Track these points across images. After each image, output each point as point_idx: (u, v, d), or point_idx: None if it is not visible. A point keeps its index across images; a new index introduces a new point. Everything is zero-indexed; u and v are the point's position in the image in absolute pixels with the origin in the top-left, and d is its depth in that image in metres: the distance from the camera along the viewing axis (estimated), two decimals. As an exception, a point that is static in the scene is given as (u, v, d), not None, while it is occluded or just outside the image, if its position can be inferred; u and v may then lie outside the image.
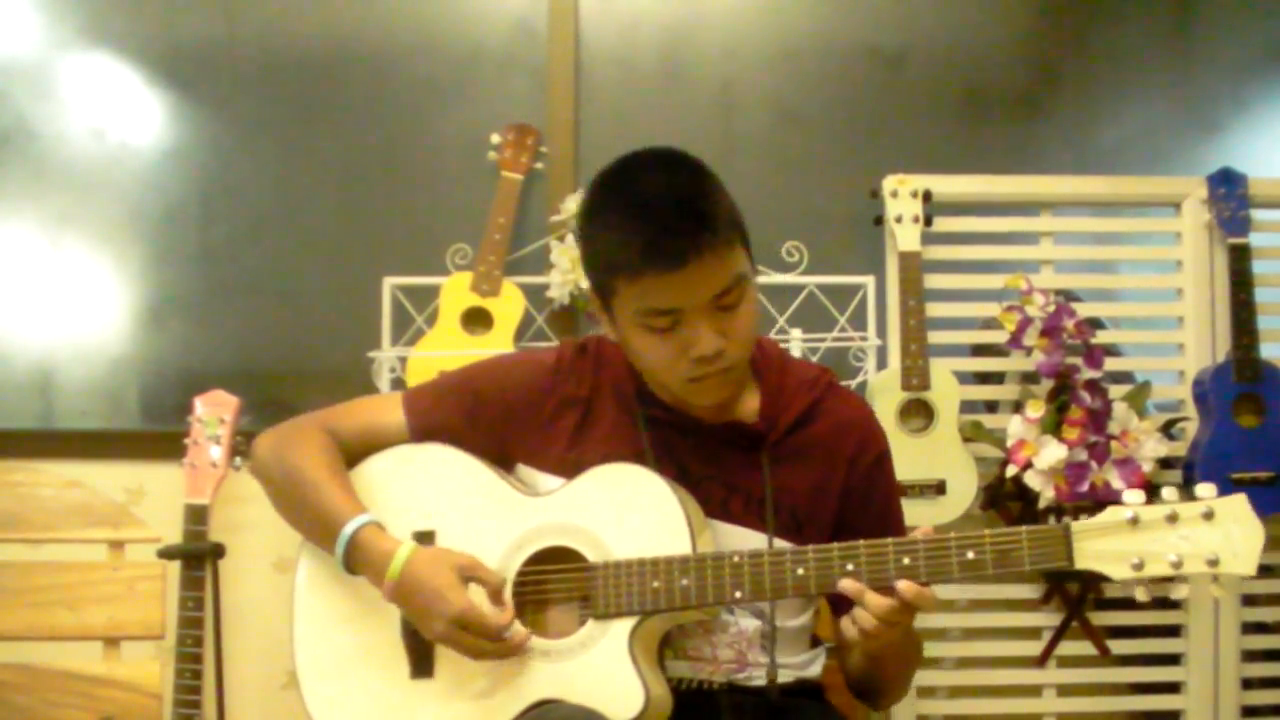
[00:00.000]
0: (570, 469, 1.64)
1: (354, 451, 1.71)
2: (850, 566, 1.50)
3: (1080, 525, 1.45)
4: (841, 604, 1.64)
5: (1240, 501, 1.42)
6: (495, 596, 1.55)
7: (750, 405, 1.69)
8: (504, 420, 1.69)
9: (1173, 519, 1.42)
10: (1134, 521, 1.43)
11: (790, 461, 1.67)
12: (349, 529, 1.58)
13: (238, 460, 2.33)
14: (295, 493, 1.66)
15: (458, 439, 1.69)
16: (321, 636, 1.66)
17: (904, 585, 1.46)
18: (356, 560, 1.59)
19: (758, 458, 1.66)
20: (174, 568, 2.23)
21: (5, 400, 2.75)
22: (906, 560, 1.48)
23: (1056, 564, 1.45)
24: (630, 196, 1.54)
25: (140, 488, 2.59)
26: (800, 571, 1.52)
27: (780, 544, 1.61)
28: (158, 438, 2.59)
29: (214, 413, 2.34)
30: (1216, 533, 1.41)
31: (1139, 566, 1.43)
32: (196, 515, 2.28)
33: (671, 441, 1.65)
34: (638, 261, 1.50)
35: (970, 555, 1.47)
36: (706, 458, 1.65)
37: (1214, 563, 1.41)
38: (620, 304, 1.56)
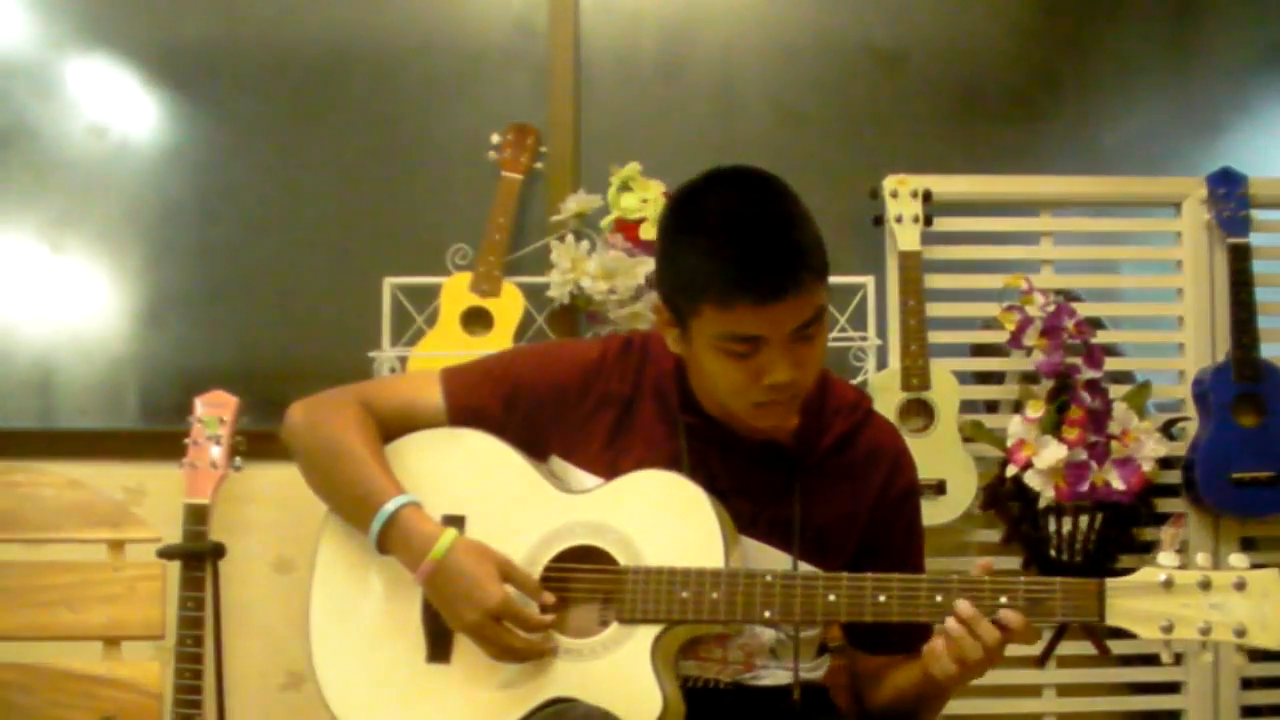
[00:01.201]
0: (605, 468, 1.63)
1: (389, 428, 1.70)
2: (882, 598, 1.49)
3: (1114, 583, 1.45)
4: (856, 633, 1.67)
5: (1273, 575, 1.43)
6: (534, 597, 1.56)
7: (789, 425, 1.67)
8: (541, 410, 1.68)
9: (1205, 585, 1.43)
10: (1167, 584, 1.43)
11: (821, 485, 1.65)
12: (390, 506, 1.58)
13: (237, 460, 2.33)
14: (331, 464, 1.66)
15: (494, 424, 1.68)
16: (339, 611, 1.66)
17: (1008, 614, 1.45)
18: (392, 539, 1.59)
19: (789, 479, 1.64)
20: (174, 568, 2.23)
21: (5, 400, 2.75)
22: (939, 597, 1.48)
23: (1087, 618, 1.45)
24: (726, 220, 1.50)
25: (140, 488, 2.59)
26: (832, 598, 1.51)
27: (805, 567, 1.61)
28: (158, 437, 2.59)
29: (214, 413, 2.34)
30: (1247, 604, 1.41)
31: (1168, 629, 1.43)
32: (196, 515, 2.28)
33: (706, 452, 1.64)
34: (732, 290, 1.47)
35: (1003, 600, 1.46)
36: (738, 473, 1.64)
37: (1241, 633, 1.41)
38: (700, 325, 1.52)
